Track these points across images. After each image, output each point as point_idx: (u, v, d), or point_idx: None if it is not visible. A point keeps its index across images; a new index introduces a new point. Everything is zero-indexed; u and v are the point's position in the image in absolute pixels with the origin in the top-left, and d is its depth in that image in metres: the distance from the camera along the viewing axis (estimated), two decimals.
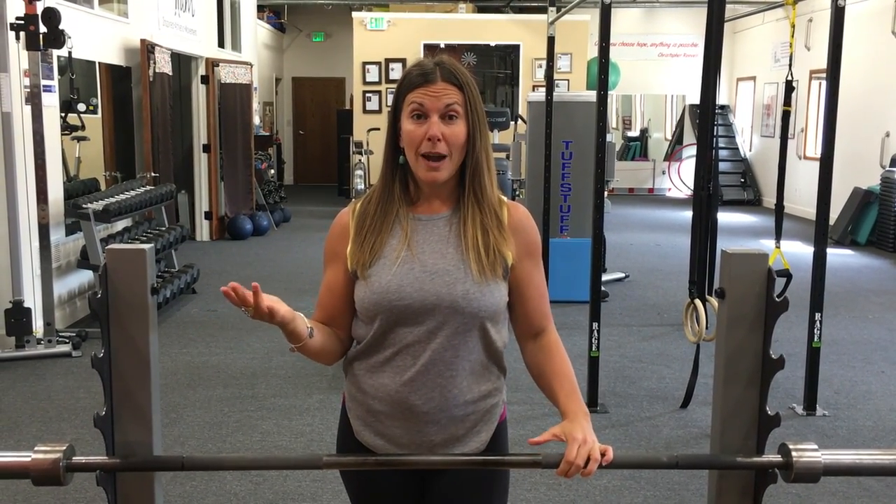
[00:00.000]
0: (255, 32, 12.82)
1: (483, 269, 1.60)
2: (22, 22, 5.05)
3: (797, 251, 8.37)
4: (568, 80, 12.18)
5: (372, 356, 1.65)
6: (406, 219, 1.65)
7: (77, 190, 6.43)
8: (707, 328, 4.29)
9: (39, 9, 5.09)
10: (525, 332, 1.72)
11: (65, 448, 1.38)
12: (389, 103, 1.76)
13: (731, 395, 1.45)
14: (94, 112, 7.09)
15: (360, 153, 11.41)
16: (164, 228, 6.81)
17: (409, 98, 1.61)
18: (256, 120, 11.60)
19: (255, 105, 11.44)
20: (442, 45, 12.15)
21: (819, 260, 4.32)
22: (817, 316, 4.31)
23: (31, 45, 5.08)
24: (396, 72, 12.18)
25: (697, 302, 4.31)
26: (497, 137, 10.06)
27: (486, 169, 1.65)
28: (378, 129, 11.70)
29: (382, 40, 12.26)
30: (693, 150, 5.76)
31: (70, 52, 5.66)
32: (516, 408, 4.35)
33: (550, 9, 6.55)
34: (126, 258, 1.44)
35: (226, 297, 1.41)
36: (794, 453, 1.37)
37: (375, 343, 1.64)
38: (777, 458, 1.39)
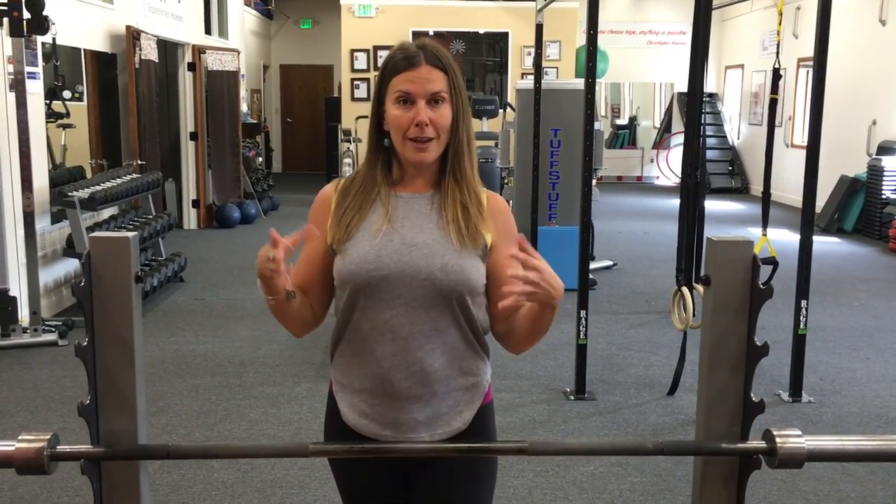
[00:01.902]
0: (243, 19, 12.74)
1: (463, 240, 1.63)
2: (5, 8, 5.00)
3: (784, 239, 8.41)
4: (557, 67, 12.16)
5: (353, 333, 1.66)
6: (388, 196, 1.67)
7: (63, 178, 6.39)
8: (694, 315, 4.31)
9: None
10: (498, 318, 1.70)
11: (49, 437, 1.38)
12: None
13: (715, 382, 1.45)
14: (80, 99, 7.03)
15: (349, 141, 11.37)
16: (150, 217, 6.77)
17: (394, 83, 1.62)
18: (244, 107, 11.54)
19: (243, 92, 11.38)
20: (430, 33, 12.11)
21: (805, 247, 4.34)
22: (803, 303, 4.33)
23: (15, 31, 5.02)
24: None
25: (684, 289, 4.33)
26: (486, 125, 10.04)
27: (467, 150, 1.68)
28: (366, 116, 11.63)
29: (371, 27, 12.20)
30: (681, 138, 5.77)
31: (54, 39, 5.60)
32: (504, 395, 4.36)
33: None
34: (110, 246, 1.43)
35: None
36: (777, 439, 1.38)
37: (356, 319, 1.65)
38: (761, 444, 1.40)
